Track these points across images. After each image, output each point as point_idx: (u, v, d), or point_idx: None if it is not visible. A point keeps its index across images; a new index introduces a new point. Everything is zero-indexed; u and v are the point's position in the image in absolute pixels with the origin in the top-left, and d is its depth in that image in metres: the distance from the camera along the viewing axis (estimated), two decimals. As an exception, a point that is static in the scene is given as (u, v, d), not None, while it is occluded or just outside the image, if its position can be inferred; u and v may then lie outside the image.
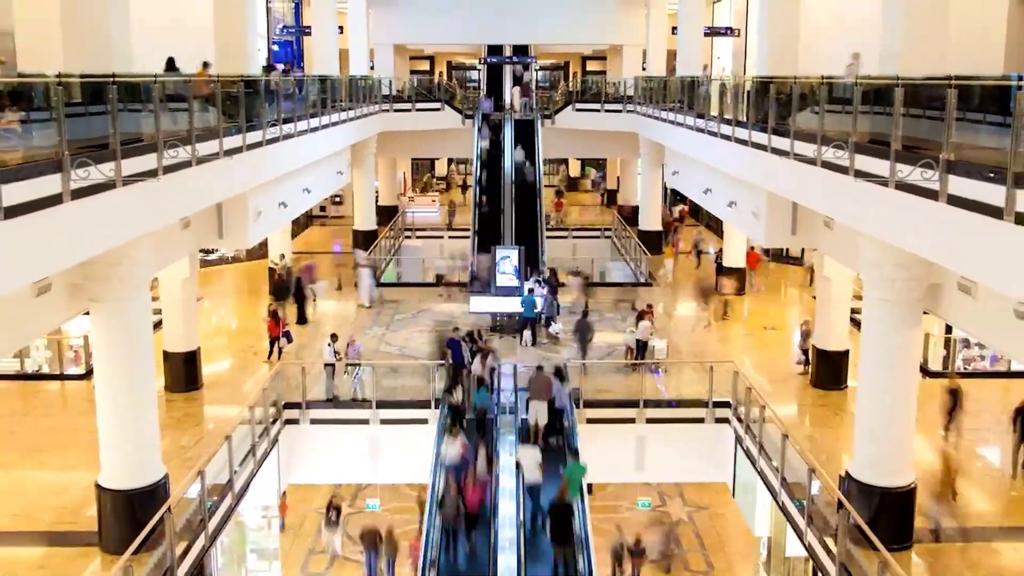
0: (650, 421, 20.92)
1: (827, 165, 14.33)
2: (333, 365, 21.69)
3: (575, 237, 41.91)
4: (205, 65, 17.97)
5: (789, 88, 17.08)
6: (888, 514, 14.75)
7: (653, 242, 36.83)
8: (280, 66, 37.89)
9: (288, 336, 24.74)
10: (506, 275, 27.87)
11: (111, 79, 12.27)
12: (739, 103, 21.37)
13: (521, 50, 49.55)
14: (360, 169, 36.28)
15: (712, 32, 42.55)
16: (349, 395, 21.67)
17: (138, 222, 12.97)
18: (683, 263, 35.76)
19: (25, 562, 14.24)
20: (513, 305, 26.68)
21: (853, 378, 20.76)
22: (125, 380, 14.59)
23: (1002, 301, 12.08)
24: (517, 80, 47.80)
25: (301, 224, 42.44)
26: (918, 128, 12.09)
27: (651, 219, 38.32)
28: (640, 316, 24.58)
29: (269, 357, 24.23)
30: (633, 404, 21.04)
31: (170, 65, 16.88)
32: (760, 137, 18.15)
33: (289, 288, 27.55)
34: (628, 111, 38.32)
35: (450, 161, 60.20)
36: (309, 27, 41.06)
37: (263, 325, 25.20)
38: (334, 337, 22.28)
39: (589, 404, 21.01)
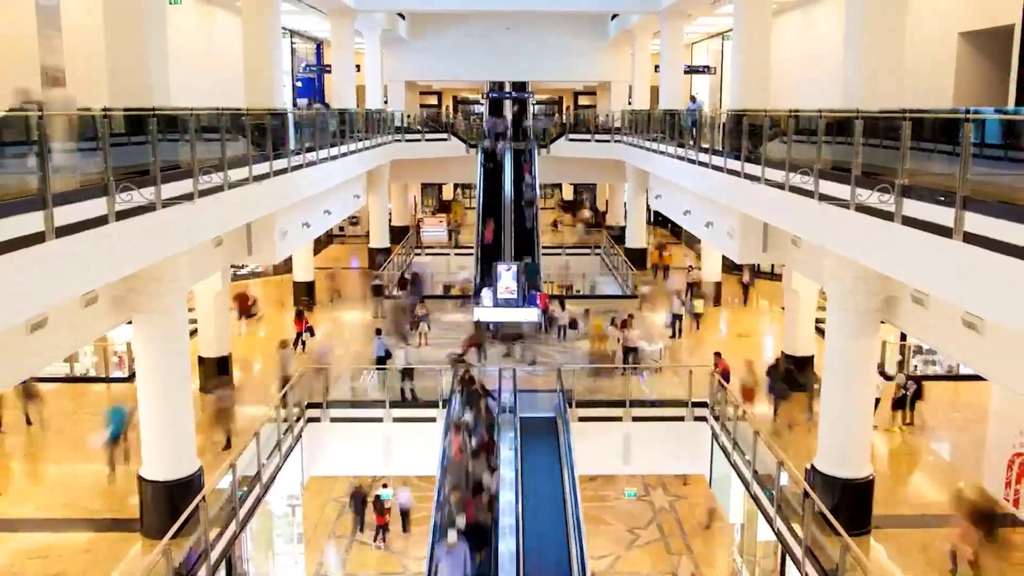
0: (636, 419, 20.88)
1: (795, 189, 14.35)
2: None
3: (568, 254, 41.96)
4: None
5: (760, 120, 17.12)
6: (849, 503, 14.75)
7: (638, 258, 36.87)
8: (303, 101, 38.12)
9: (311, 331, 25.42)
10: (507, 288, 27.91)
11: (152, 112, 12.30)
12: (715, 133, 21.42)
13: (520, 86, 49.79)
14: (375, 193, 36.34)
15: (691, 70, 42.66)
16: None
17: (175, 241, 12.97)
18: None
19: (74, 546, 14.21)
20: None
21: (818, 381, 20.73)
22: (164, 382, 14.62)
23: (951, 311, 12.08)
24: (516, 117, 48.18)
25: (322, 242, 42.47)
26: (876, 156, 12.11)
27: (637, 238, 38.36)
28: (615, 324, 24.76)
29: (295, 349, 24.70)
30: (620, 404, 21.00)
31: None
32: (734, 164, 18.18)
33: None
34: (616, 141, 38.35)
35: (456, 186, 60.23)
36: (329, 66, 41.20)
37: (289, 327, 25.58)
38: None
39: (581, 404, 20.96)
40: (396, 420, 20.90)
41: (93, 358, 22.65)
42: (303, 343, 25.18)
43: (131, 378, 20.76)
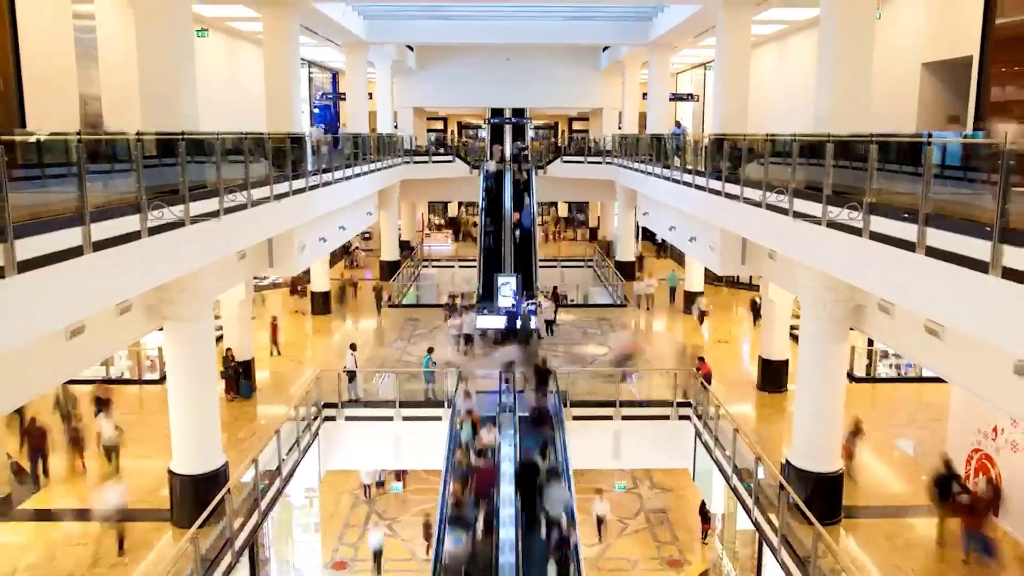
0: (625, 418, 20.85)
1: (771, 207, 14.36)
2: (354, 372, 21.70)
3: (563, 266, 41.97)
4: None
5: (739, 144, 17.15)
6: (821, 494, 14.73)
7: (627, 270, 36.86)
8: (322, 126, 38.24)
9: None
10: (506, 297, 27.95)
11: (181, 136, 12.33)
12: (698, 156, 21.45)
13: (519, 112, 49.96)
14: (386, 210, 36.39)
15: (676, 97, 42.79)
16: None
17: (203, 254, 12.98)
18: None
19: (110, 533, 14.17)
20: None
21: (792, 383, 20.75)
22: (192, 384, 14.62)
23: (915, 319, 12.09)
24: (515, 140, 48.38)
25: (337, 255, 42.47)
26: (846, 176, 12.13)
27: (626, 251, 38.38)
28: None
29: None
30: (611, 404, 20.95)
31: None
32: (716, 184, 18.20)
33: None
34: (607, 163, 38.39)
35: (460, 204, 60.27)
36: (344, 93, 41.30)
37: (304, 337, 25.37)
38: (353, 347, 22.31)
39: (575, 404, 20.93)
40: (405, 419, 20.87)
41: (128, 362, 22.63)
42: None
43: (162, 380, 20.76)
